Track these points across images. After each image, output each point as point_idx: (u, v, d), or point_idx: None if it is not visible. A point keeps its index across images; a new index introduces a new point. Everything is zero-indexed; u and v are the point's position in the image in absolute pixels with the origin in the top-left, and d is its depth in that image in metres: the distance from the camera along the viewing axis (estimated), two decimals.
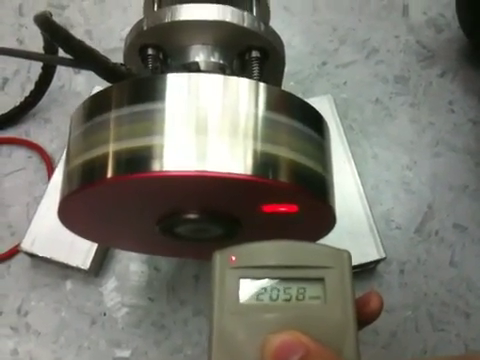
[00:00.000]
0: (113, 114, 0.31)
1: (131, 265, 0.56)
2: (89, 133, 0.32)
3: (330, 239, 0.45)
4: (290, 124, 0.32)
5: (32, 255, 0.54)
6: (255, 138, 0.30)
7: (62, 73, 0.66)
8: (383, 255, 0.53)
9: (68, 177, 0.33)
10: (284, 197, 0.33)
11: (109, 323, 0.53)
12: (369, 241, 0.53)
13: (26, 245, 0.53)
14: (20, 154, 0.63)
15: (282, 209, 0.34)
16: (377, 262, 0.54)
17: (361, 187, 0.56)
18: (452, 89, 0.66)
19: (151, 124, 0.30)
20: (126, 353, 0.52)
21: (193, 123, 0.30)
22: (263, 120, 0.31)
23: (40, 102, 0.64)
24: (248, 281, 0.29)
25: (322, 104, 0.59)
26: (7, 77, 0.68)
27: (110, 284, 0.55)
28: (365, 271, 0.55)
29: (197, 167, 0.29)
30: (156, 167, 0.29)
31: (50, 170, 0.60)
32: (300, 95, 0.34)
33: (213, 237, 0.38)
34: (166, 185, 0.31)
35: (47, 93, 0.63)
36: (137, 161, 0.29)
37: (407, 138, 0.63)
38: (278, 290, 0.29)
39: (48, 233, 0.53)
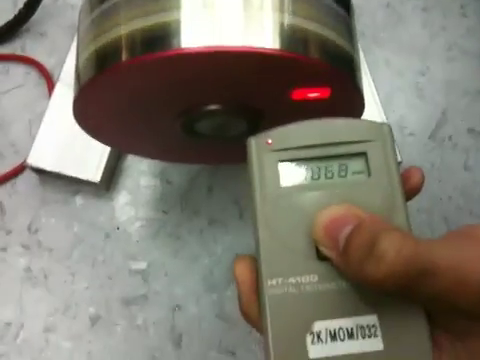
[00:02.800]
0: None
1: (142, 179, 0.55)
2: (99, 20, 0.29)
3: None
4: None
5: (39, 171, 0.52)
6: (282, 10, 0.28)
7: None
8: (399, 159, 0.52)
9: (81, 69, 0.30)
10: (315, 78, 0.31)
11: (124, 237, 0.52)
12: None
13: (33, 160, 0.51)
14: (17, 70, 0.60)
15: (313, 94, 0.32)
16: None
17: (375, 92, 0.54)
18: None
19: (164, 1, 0.28)
20: (143, 265, 0.51)
21: None
22: None
23: (34, 16, 0.60)
24: (287, 163, 0.28)
25: None
26: None
27: (122, 198, 0.54)
28: None
29: (217, 42, 0.27)
30: (172, 45, 0.27)
31: (50, 85, 0.57)
32: None
33: (234, 135, 0.36)
34: (186, 67, 0.28)
35: (41, 6, 0.60)
36: (153, 40, 0.27)
37: (420, 43, 0.61)
38: (319, 169, 0.28)
39: (55, 147, 0.51)
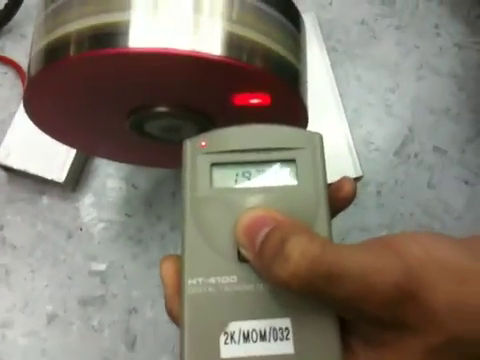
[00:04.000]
0: None
1: (109, 181, 0.55)
2: (53, 15, 0.30)
3: None
4: (266, 11, 0.31)
5: (7, 169, 0.53)
6: (230, 19, 0.29)
7: None
8: (360, 173, 0.52)
9: (32, 62, 0.32)
10: (256, 85, 0.32)
11: (86, 237, 0.53)
12: (347, 160, 0.53)
13: (1, 157, 0.52)
14: None
15: (254, 100, 0.33)
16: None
17: (342, 107, 0.55)
18: (439, 12, 0.64)
19: (116, 1, 0.29)
20: (102, 266, 0.52)
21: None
22: (239, 3, 0.30)
23: (16, 17, 0.61)
24: (219, 166, 0.28)
25: (305, 21, 0.57)
26: None
27: (87, 200, 0.55)
28: None
29: (164, 44, 0.28)
30: (120, 43, 0.28)
31: None
32: None
33: (185, 138, 0.37)
34: (133, 66, 0.29)
35: (23, 8, 0.61)
36: (100, 38, 0.28)
37: (391, 61, 0.62)
38: (250, 173, 0.28)
39: (23, 146, 0.52)
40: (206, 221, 0.27)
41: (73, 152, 0.52)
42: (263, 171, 0.29)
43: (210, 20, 0.29)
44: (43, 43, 0.30)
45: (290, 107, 0.34)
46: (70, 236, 0.53)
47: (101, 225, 0.53)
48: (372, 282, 0.22)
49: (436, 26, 0.64)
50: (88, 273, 0.52)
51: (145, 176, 0.55)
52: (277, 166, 0.29)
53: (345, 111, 0.55)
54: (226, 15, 0.29)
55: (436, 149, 0.58)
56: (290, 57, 0.32)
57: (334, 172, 0.52)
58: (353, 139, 0.54)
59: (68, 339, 0.50)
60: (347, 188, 0.31)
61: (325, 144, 0.53)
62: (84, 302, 0.51)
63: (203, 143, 0.29)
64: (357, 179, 0.53)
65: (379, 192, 0.56)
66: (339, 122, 0.54)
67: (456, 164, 0.58)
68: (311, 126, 0.53)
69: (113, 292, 0.51)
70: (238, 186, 0.28)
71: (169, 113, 0.34)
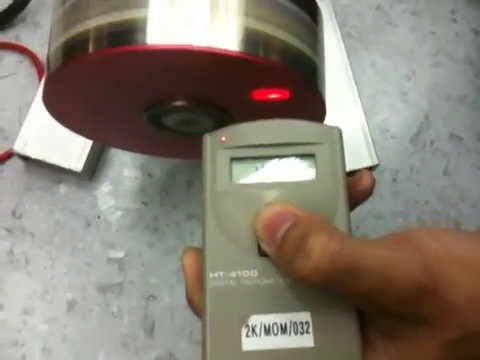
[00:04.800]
0: None
1: (125, 170, 0.56)
2: (70, 11, 0.31)
3: None
4: (284, 4, 0.31)
5: (25, 158, 0.53)
6: (246, 14, 0.29)
7: None
8: (376, 162, 0.52)
9: (51, 58, 0.32)
10: (274, 80, 0.32)
11: (103, 225, 0.54)
12: (362, 148, 0.53)
13: (18, 147, 0.53)
14: (11, 59, 0.61)
15: (273, 95, 0.33)
16: (370, 169, 0.54)
17: (357, 95, 0.55)
18: None
19: None
20: (120, 254, 0.53)
21: None
22: None
23: (30, 5, 0.62)
24: (239, 160, 0.29)
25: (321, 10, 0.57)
26: None
27: (104, 188, 0.55)
28: None
29: (181, 41, 0.28)
30: (138, 40, 0.28)
31: (41, 74, 0.59)
32: None
33: (202, 131, 0.37)
34: (151, 62, 0.30)
35: None
36: (119, 35, 0.28)
37: (407, 47, 0.61)
38: (269, 168, 0.29)
39: (41, 136, 0.53)
40: (226, 215, 0.28)
41: (90, 142, 0.52)
42: (282, 166, 0.29)
43: (226, 15, 0.29)
44: (62, 40, 0.31)
45: (308, 101, 0.34)
46: (88, 224, 0.54)
47: (119, 213, 0.54)
48: (391, 276, 0.23)
49: (452, 12, 0.63)
50: (106, 260, 0.53)
51: (160, 165, 0.56)
52: (296, 161, 0.29)
53: (360, 99, 0.55)
54: (242, 10, 0.29)
55: (452, 136, 0.58)
56: (308, 51, 0.32)
57: (350, 160, 0.52)
58: (369, 127, 0.54)
59: (88, 325, 0.51)
60: (365, 182, 0.31)
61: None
62: (103, 289, 0.52)
63: (223, 138, 0.29)
64: (373, 167, 0.53)
65: (395, 179, 0.56)
66: (355, 110, 0.54)
67: (472, 151, 0.57)
68: (327, 114, 0.53)
69: (131, 279, 0.52)
70: (258, 181, 0.28)
71: (186, 107, 0.34)
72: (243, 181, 0.28)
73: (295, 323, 0.26)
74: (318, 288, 0.24)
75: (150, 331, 0.50)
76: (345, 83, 0.56)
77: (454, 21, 0.63)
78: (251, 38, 0.29)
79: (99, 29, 0.29)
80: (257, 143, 0.29)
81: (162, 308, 0.51)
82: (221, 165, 0.29)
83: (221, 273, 0.27)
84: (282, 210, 0.26)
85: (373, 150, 0.53)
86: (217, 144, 0.29)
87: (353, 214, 0.53)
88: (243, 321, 0.26)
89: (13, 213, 0.54)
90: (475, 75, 0.60)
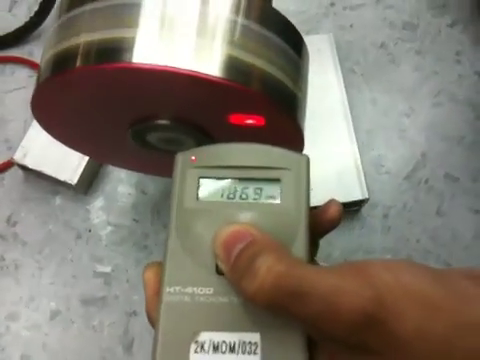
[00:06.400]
0: (88, 7, 0.31)
1: (120, 187, 0.57)
2: (64, 26, 0.32)
3: (316, 177, 0.45)
4: (268, 36, 0.32)
5: (24, 168, 0.55)
6: (230, 43, 0.30)
7: None
8: (366, 196, 0.53)
9: (42, 69, 0.33)
10: (252, 106, 0.33)
11: (93, 239, 0.55)
12: (354, 182, 0.53)
13: (18, 157, 0.54)
14: (22, 73, 0.64)
15: (249, 121, 0.34)
16: (361, 204, 0.54)
17: (352, 129, 0.56)
18: (461, 40, 0.64)
19: (125, 17, 0.30)
20: (107, 269, 0.54)
21: (169, 21, 0.30)
22: (241, 27, 0.31)
23: (45, 23, 0.64)
24: (207, 180, 0.29)
25: (322, 42, 0.58)
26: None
27: (98, 203, 0.56)
28: (349, 212, 0.55)
29: (165, 62, 0.29)
30: (124, 58, 0.29)
31: None
32: (304, 34, 0.34)
33: (184, 150, 0.38)
34: (135, 81, 0.31)
35: (52, 14, 0.64)
36: (106, 52, 0.30)
37: (408, 85, 0.62)
38: (236, 189, 0.29)
39: (40, 147, 0.54)
40: (190, 232, 0.28)
41: (87, 157, 0.54)
42: (248, 188, 0.29)
43: (212, 43, 0.30)
44: (53, 52, 0.32)
45: (285, 129, 0.35)
46: (79, 237, 0.55)
47: (109, 228, 0.55)
48: (337, 303, 0.23)
49: (457, 53, 0.63)
50: (93, 274, 0.53)
51: (155, 184, 0.57)
52: (262, 184, 0.29)
53: (358, 132, 0.56)
54: (228, 39, 0.30)
55: (447, 176, 0.58)
56: (288, 82, 0.33)
57: (341, 192, 0.53)
58: (362, 161, 0.54)
59: (68, 336, 0.51)
60: (333, 211, 0.31)
61: (334, 164, 0.54)
62: (86, 302, 0.52)
63: (193, 157, 0.30)
64: (363, 201, 0.53)
65: (386, 215, 0.56)
66: (349, 143, 0.55)
67: (467, 193, 0.57)
68: (320, 145, 0.54)
69: (115, 294, 0.52)
70: (223, 200, 0.29)
71: (168, 126, 0.35)
72: (209, 199, 0.29)
73: (244, 342, 0.26)
74: (264, 309, 0.25)
75: (128, 347, 0.51)
76: (341, 117, 0.56)
77: (458, 62, 0.63)
78: (234, 65, 0.30)
79: (89, 45, 0.30)
80: (226, 164, 0.30)
81: (142, 325, 0.51)
82: (189, 183, 0.30)
83: (177, 288, 0.27)
84: (240, 230, 0.27)
85: (364, 184, 0.53)
86: (188, 163, 0.30)
87: (342, 246, 0.54)
88: (193, 337, 0.26)
89: (8, 220, 0.56)
90: (476, 117, 0.60)
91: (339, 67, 0.58)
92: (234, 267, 0.25)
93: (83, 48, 0.30)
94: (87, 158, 0.54)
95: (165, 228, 0.54)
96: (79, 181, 0.53)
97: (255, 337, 0.26)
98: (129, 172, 0.57)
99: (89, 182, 0.56)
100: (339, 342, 0.24)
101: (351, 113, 0.56)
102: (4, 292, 0.53)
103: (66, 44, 0.31)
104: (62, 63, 0.31)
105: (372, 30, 0.64)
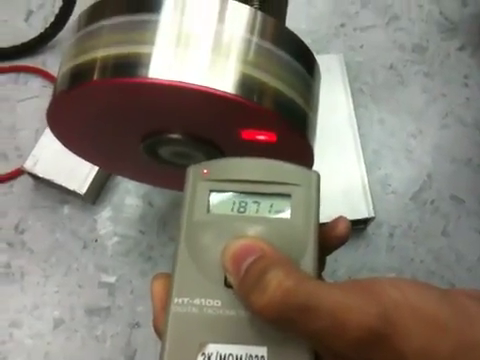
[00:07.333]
0: (106, 22, 0.32)
1: (127, 198, 0.58)
2: (82, 40, 0.33)
3: (323, 194, 0.45)
4: (281, 55, 0.33)
5: (34, 176, 0.56)
6: (244, 61, 0.31)
7: (83, 7, 0.67)
8: (372, 214, 0.53)
9: (59, 81, 0.34)
10: (264, 123, 0.33)
11: (99, 249, 0.55)
12: (360, 200, 0.54)
13: (29, 166, 0.55)
14: (36, 83, 0.65)
15: (261, 137, 0.34)
16: (367, 222, 0.55)
17: (360, 148, 0.56)
18: (470, 63, 0.65)
19: (142, 33, 0.31)
20: (112, 279, 0.54)
21: (185, 38, 0.30)
22: (255, 46, 0.32)
23: (60, 34, 0.65)
24: (218, 193, 0.30)
25: (332, 61, 0.59)
26: (32, 10, 0.70)
27: (105, 213, 0.57)
28: (355, 230, 0.56)
29: (180, 78, 0.30)
30: (140, 73, 0.30)
31: None
32: (314, 53, 0.35)
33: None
34: (150, 95, 0.31)
35: (67, 26, 0.65)
36: (124, 66, 0.30)
37: (417, 107, 0.62)
38: (246, 203, 0.30)
39: (51, 156, 0.55)
40: (199, 244, 0.29)
41: (96, 167, 0.54)
42: (259, 202, 0.30)
43: (226, 60, 0.31)
44: (70, 65, 0.33)
45: (295, 146, 0.35)
46: (85, 246, 0.55)
47: (115, 239, 0.55)
48: (343, 319, 0.23)
49: (465, 76, 0.64)
50: (98, 284, 0.54)
51: (163, 196, 0.57)
52: (272, 199, 0.30)
53: (365, 152, 0.56)
54: (242, 57, 0.31)
55: (453, 197, 0.58)
56: (299, 100, 0.33)
57: (347, 210, 0.53)
58: (369, 180, 0.54)
59: (71, 345, 0.51)
60: (341, 228, 0.31)
61: (341, 181, 0.54)
62: (90, 311, 0.52)
63: (205, 171, 0.30)
64: (369, 220, 0.54)
65: (392, 235, 0.56)
66: (356, 162, 0.55)
67: (473, 214, 0.57)
68: (328, 163, 0.54)
69: (119, 304, 0.53)
70: (233, 214, 0.29)
71: (180, 140, 0.36)
72: (219, 213, 0.29)
73: (250, 356, 0.26)
74: (271, 323, 0.25)
75: (131, 358, 0.51)
76: (349, 135, 0.57)
77: (466, 85, 0.64)
78: (247, 83, 0.31)
79: (106, 59, 0.31)
80: (237, 178, 0.30)
81: (145, 337, 0.51)
82: (200, 196, 0.30)
83: (186, 299, 0.28)
84: (250, 244, 0.27)
85: (371, 203, 0.53)
86: (199, 175, 0.30)
87: (347, 264, 0.54)
88: (200, 348, 0.27)
89: (16, 228, 0.56)
90: None
91: (348, 87, 0.58)
92: (243, 281, 0.26)
93: (100, 62, 0.31)
94: (96, 168, 0.54)
95: (171, 240, 0.55)
96: (88, 191, 0.54)
97: (262, 351, 0.26)
98: (137, 184, 0.57)
99: (97, 192, 0.57)
100: (345, 358, 0.24)
101: (359, 132, 0.57)
102: (9, 299, 0.53)
103: (83, 58, 0.32)
104: (79, 76, 0.32)
105: (382, 51, 0.65)
